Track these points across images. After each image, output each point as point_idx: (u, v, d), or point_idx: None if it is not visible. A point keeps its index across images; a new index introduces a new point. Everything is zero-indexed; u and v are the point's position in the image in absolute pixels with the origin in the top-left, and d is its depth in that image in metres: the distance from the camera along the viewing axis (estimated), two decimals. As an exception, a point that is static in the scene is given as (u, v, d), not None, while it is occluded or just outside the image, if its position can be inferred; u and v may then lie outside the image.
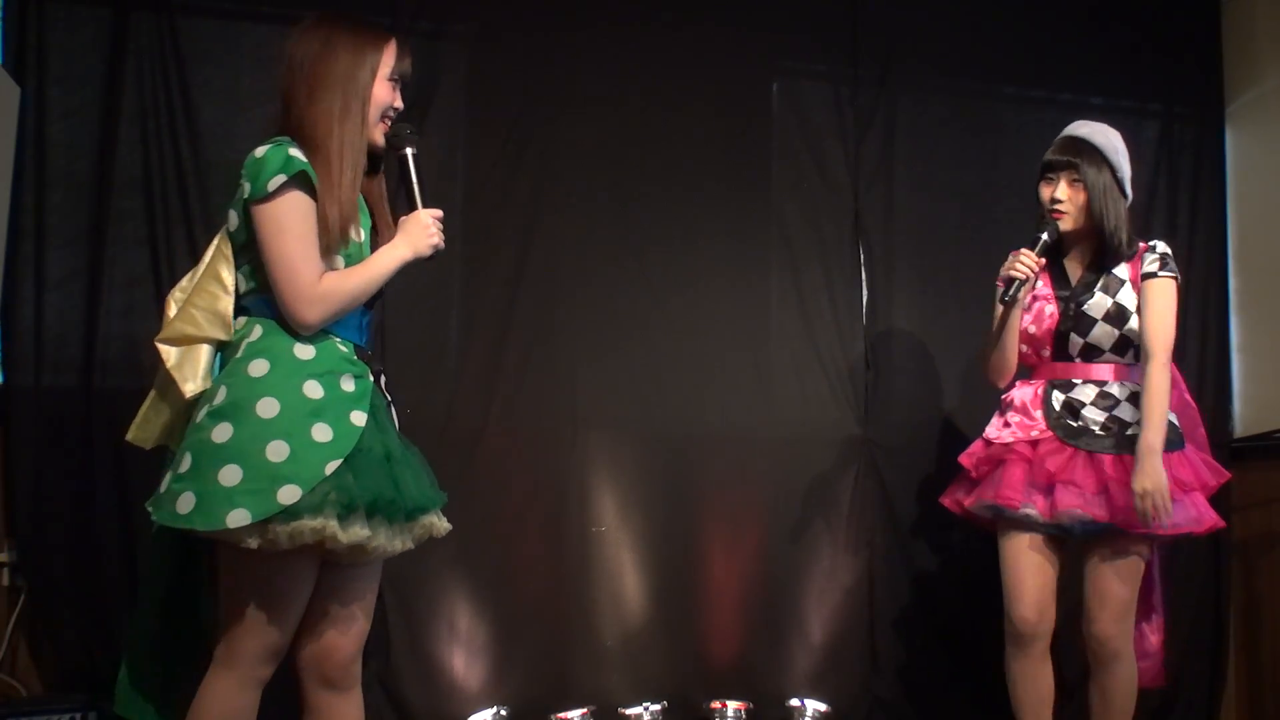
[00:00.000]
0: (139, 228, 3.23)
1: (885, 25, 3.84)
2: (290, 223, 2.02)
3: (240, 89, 3.35)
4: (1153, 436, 2.65)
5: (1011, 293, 2.74)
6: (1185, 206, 4.04)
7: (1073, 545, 2.85)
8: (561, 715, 3.27)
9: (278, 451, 1.92)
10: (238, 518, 1.88)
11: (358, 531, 1.96)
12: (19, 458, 3.11)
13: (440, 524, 2.19)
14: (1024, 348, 2.90)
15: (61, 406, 3.14)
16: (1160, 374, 2.72)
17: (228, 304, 2.08)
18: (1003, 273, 2.78)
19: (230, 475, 1.90)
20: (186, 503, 1.92)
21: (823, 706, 3.42)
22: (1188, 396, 2.99)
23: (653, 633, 3.48)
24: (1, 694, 3.06)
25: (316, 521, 1.91)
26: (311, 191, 2.04)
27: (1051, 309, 2.83)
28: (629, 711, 3.33)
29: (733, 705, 3.39)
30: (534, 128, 3.55)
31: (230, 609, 2.01)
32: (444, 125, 3.49)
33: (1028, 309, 2.87)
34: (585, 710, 3.30)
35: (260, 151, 2.05)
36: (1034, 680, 2.85)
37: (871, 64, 3.83)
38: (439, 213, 2.23)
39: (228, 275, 2.10)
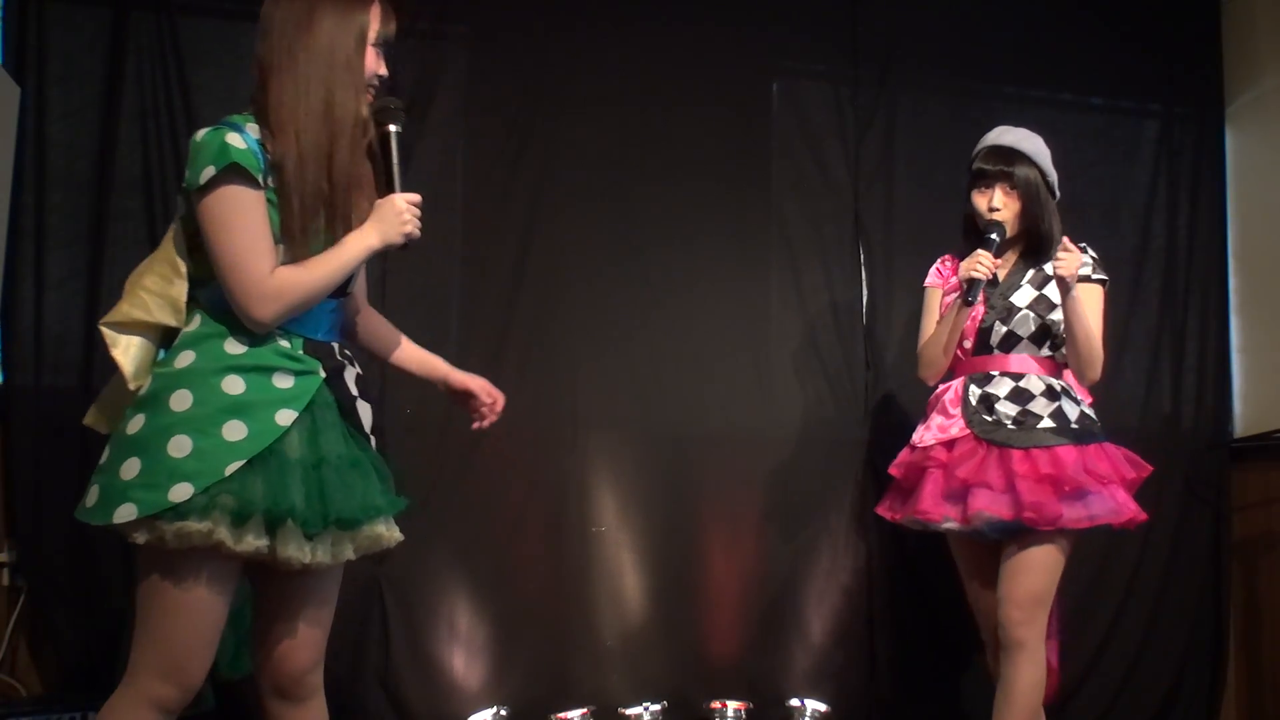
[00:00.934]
0: (139, 228, 3.23)
1: (885, 25, 3.84)
2: (228, 217, 1.88)
3: (240, 89, 3.30)
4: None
5: (974, 293, 2.75)
6: (1185, 206, 4.04)
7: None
8: (561, 715, 3.27)
9: (180, 446, 1.81)
10: (125, 512, 1.78)
11: (251, 541, 1.82)
12: (19, 458, 3.11)
13: (390, 534, 2.03)
14: None
15: (61, 406, 3.13)
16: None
17: (181, 289, 1.95)
18: (962, 274, 2.77)
19: (130, 468, 1.81)
20: (92, 496, 1.84)
21: (823, 706, 3.42)
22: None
23: (653, 633, 3.48)
24: (1, 694, 3.05)
25: (203, 525, 1.78)
26: (251, 181, 1.89)
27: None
28: (629, 711, 3.33)
29: (733, 705, 3.39)
30: (534, 128, 3.55)
31: (138, 617, 1.87)
32: (444, 125, 3.49)
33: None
34: (585, 710, 3.29)
35: (199, 135, 1.91)
36: None
37: (871, 64, 3.83)
38: (416, 197, 2.04)
39: (181, 260, 1.96)
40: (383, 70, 2.04)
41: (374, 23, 2.00)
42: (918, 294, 3.81)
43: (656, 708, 3.35)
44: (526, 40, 3.56)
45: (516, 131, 3.53)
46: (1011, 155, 2.83)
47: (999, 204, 2.82)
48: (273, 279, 1.89)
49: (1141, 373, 3.93)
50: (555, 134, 3.56)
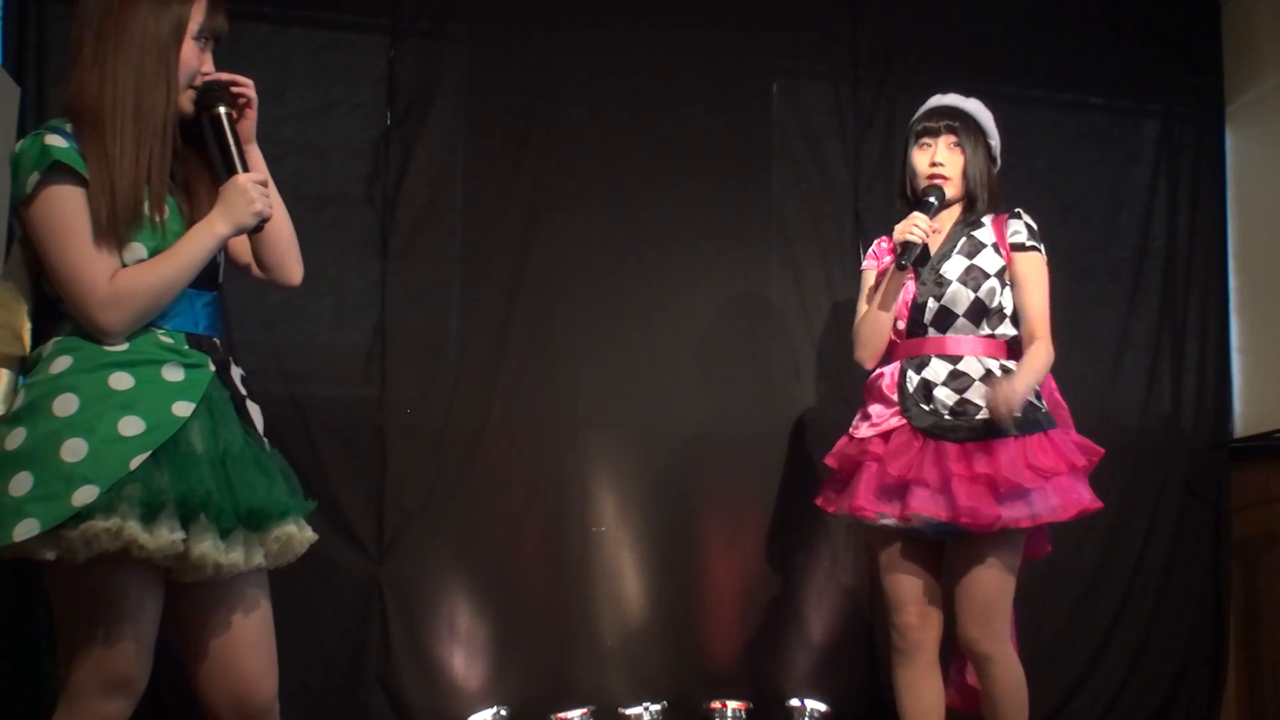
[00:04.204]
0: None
1: (885, 25, 3.84)
2: (56, 223, 1.77)
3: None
4: (1018, 382, 2.50)
5: (909, 257, 2.61)
6: (1185, 206, 4.04)
7: (949, 546, 2.72)
8: (561, 715, 3.27)
9: (74, 450, 1.68)
10: (25, 529, 1.65)
11: (165, 535, 1.69)
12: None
13: (302, 535, 1.90)
14: None
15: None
16: (1045, 346, 2.62)
17: (20, 315, 1.85)
18: (897, 236, 2.64)
19: (20, 484, 1.68)
20: None
21: (823, 706, 3.42)
22: (1058, 395, 2.78)
23: (653, 633, 3.48)
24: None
25: (110, 522, 1.66)
26: (78, 180, 1.78)
27: (909, 279, 2.71)
28: (629, 711, 3.33)
29: (733, 705, 3.39)
30: (534, 128, 3.55)
31: (62, 637, 1.78)
32: (444, 125, 3.49)
33: None
34: (585, 710, 3.29)
35: (18, 145, 1.80)
36: (921, 690, 2.72)
37: (871, 64, 3.83)
38: (260, 175, 1.94)
39: (27, 286, 1.86)
40: (207, 67, 1.91)
41: (196, 14, 1.87)
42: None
43: (656, 708, 3.35)
44: (526, 40, 3.56)
45: (516, 132, 3.53)
46: (955, 112, 2.76)
47: (942, 159, 2.70)
48: (112, 283, 1.78)
49: (1141, 373, 3.93)
50: (555, 134, 3.56)
